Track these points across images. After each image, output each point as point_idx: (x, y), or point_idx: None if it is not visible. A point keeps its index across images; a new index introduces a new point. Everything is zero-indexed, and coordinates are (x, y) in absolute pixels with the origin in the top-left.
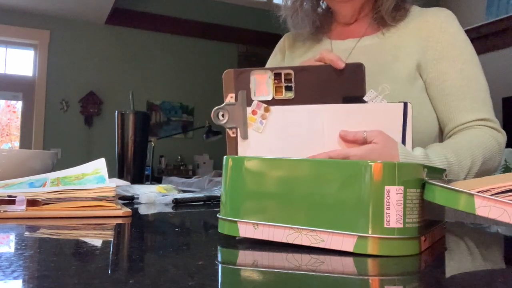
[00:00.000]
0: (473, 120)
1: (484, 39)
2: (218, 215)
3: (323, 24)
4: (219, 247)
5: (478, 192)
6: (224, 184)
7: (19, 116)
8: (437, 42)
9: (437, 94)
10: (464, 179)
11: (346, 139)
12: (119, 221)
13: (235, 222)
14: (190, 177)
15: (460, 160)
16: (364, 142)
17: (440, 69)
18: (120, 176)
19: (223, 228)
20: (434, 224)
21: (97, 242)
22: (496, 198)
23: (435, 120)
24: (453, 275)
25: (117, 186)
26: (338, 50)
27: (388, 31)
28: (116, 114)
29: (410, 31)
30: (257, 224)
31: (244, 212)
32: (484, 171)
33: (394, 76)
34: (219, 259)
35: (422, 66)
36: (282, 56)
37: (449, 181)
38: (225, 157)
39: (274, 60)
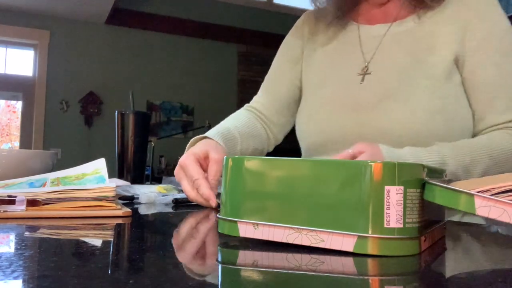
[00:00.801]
0: (504, 122)
1: None
2: (218, 215)
3: (349, 5)
4: (219, 247)
5: (478, 192)
6: (224, 184)
7: (19, 116)
8: (475, 30)
9: (470, 89)
10: (465, 178)
11: None
12: (119, 221)
13: (235, 222)
14: None
15: (456, 155)
16: (353, 157)
17: (475, 61)
18: (120, 176)
19: (223, 228)
20: (434, 224)
21: (97, 242)
22: (496, 198)
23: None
24: (453, 275)
25: (117, 186)
26: (367, 37)
27: (424, 14)
28: (116, 114)
29: (448, 16)
30: (257, 224)
31: (244, 212)
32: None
33: (430, 71)
34: (219, 259)
35: (459, 59)
36: (301, 42)
37: (449, 181)
38: (225, 157)
39: (293, 45)
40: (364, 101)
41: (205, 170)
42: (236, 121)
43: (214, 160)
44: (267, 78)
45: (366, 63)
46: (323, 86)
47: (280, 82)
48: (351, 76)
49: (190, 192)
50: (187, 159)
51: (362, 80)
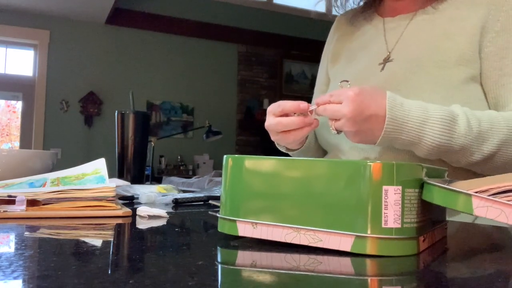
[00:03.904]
0: None
1: None
2: (218, 214)
3: None
4: (219, 247)
5: (476, 192)
6: (224, 183)
7: (19, 116)
8: (499, 10)
9: (492, 73)
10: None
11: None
12: (119, 221)
13: (234, 221)
14: (190, 177)
15: (469, 119)
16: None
17: (499, 43)
18: (120, 176)
19: (223, 228)
20: (435, 224)
21: (97, 242)
22: (493, 198)
23: None
24: (451, 275)
25: (117, 186)
26: (391, 27)
27: (444, 1)
28: (116, 114)
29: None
30: (256, 223)
31: (244, 211)
32: None
33: (441, 59)
34: (219, 259)
35: (480, 41)
36: (331, 46)
37: (450, 182)
38: (225, 156)
39: (325, 52)
40: None
41: None
42: None
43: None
44: (315, 89)
45: (388, 52)
46: (344, 78)
47: (318, 94)
48: (372, 66)
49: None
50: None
51: (383, 68)
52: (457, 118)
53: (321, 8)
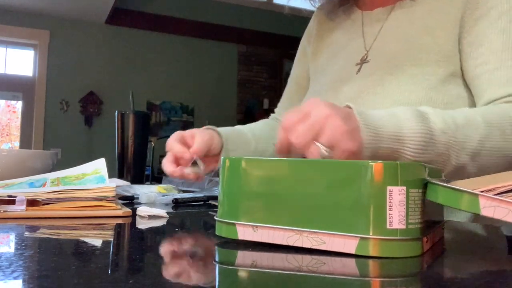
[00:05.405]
0: (506, 96)
1: None
2: (215, 217)
3: None
4: (218, 248)
5: (482, 191)
6: (222, 185)
7: (19, 116)
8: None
9: (468, 63)
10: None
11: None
12: (119, 221)
13: (234, 224)
14: None
15: (443, 115)
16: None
17: (476, 31)
18: (120, 176)
19: (221, 231)
20: (435, 225)
21: (97, 242)
22: (501, 198)
23: None
24: (455, 276)
25: (117, 186)
26: (369, 23)
27: None
28: (116, 114)
29: None
30: (256, 226)
31: (243, 214)
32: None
33: (419, 56)
34: (218, 259)
35: (459, 33)
36: (307, 43)
37: (447, 181)
38: (222, 157)
39: (302, 48)
40: (355, 94)
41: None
42: (253, 125)
43: (198, 135)
44: (287, 84)
45: (366, 51)
46: (322, 78)
47: (295, 87)
48: (349, 67)
49: (166, 165)
50: (170, 139)
51: (359, 70)
52: (428, 115)
53: (295, 3)
